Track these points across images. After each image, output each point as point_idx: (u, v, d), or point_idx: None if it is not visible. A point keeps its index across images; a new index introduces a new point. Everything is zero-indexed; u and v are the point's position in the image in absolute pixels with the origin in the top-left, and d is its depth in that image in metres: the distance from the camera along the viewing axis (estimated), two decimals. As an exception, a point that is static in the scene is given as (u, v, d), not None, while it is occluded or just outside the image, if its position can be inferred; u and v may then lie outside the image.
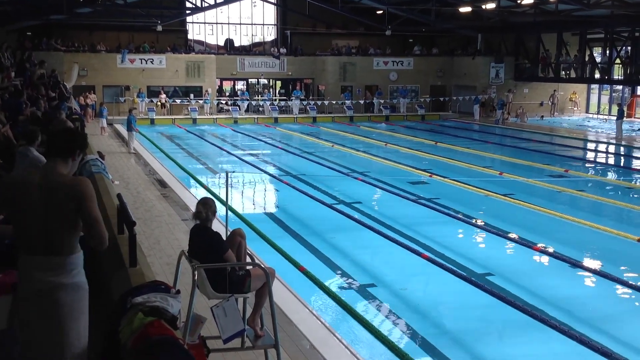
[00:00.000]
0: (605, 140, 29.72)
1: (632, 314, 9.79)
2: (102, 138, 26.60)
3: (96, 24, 37.71)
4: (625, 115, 32.27)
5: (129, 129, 23.24)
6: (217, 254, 5.41)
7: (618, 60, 34.62)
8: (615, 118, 31.47)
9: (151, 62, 37.31)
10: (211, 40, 42.98)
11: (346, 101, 38.45)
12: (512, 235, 13.24)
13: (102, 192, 7.91)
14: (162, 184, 17.00)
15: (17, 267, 3.68)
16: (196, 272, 5.26)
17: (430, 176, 19.43)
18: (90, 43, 37.94)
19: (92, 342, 3.79)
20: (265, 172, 20.58)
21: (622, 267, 11.36)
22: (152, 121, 34.41)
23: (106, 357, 3.73)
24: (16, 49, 31.06)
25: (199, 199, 5.91)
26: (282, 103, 38.95)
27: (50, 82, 22.11)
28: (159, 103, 36.37)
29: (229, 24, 42.89)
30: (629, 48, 33.95)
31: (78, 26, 37.69)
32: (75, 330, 3.60)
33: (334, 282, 10.41)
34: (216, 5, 39.15)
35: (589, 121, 38.63)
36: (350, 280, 10.69)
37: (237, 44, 43.22)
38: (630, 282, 10.27)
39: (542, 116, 39.09)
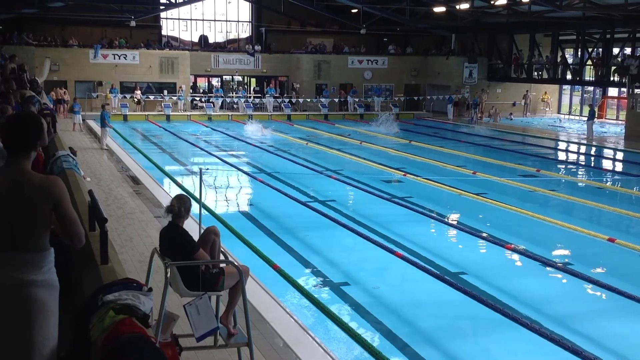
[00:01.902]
0: (576, 140, 30.08)
1: (601, 313, 9.91)
2: (74, 134, 26.30)
3: (68, 18, 37.28)
4: (596, 116, 32.70)
5: (103, 125, 23.00)
6: (187, 255, 5.36)
7: (589, 62, 35.07)
8: (586, 119, 31.87)
9: (124, 57, 36.99)
10: (185, 36, 42.72)
11: (321, 99, 38.54)
12: (485, 234, 13.34)
13: (74, 189, 7.81)
14: (135, 180, 16.85)
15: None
16: (169, 270, 5.21)
17: (404, 175, 19.50)
18: (62, 38, 37.49)
19: (62, 340, 3.73)
20: (239, 169, 20.49)
21: (592, 266, 11.50)
22: (125, 117, 34.10)
23: (76, 356, 3.67)
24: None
25: (172, 195, 5.86)
26: (257, 100, 38.87)
27: (23, 76, 21.80)
28: (135, 99, 36.06)
29: (203, 20, 42.66)
30: (600, 50, 34.44)
31: (50, 20, 37.27)
32: (45, 328, 3.53)
33: (307, 281, 10.40)
34: (190, 1, 38.92)
35: (561, 121, 39.08)
36: (323, 278, 10.68)
37: (211, 40, 43.01)
38: (600, 281, 10.40)
39: (511, 113, 39.43)
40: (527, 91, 40.58)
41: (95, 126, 27.27)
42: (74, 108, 28.44)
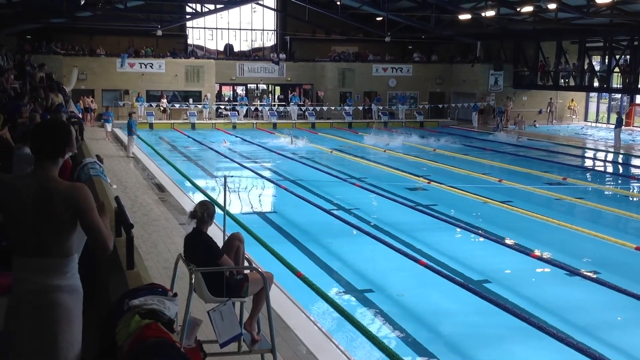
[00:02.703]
0: (603, 148, 29.76)
1: (630, 322, 9.77)
2: (101, 141, 26.53)
3: (96, 27, 37.79)
4: (623, 123, 32.32)
5: (130, 133, 23.24)
6: (211, 261, 5.39)
7: (617, 69, 34.70)
8: (613, 126, 31.52)
9: (150, 66, 37.37)
10: (211, 45, 43.04)
11: (345, 107, 38.59)
12: (510, 242, 13.24)
13: (101, 195, 7.89)
14: (160, 188, 16.99)
15: (12, 269, 3.64)
16: (193, 276, 5.24)
17: (428, 183, 19.43)
18: (89, 47, 37.99)
19: (87, 345, 3.77)
20: (264, 177, 20.57)
21: (620, 275, 11.34)
22: (151, 125, 34.42)
23: (102, 360, 3.71)
24: (15, 53, 31.09)
25: (196, 203, 5.91)
26: (281, 108, 39.02)
27: (52, 85, 22.08)
28: (161, 107, 36.37)
29: (228, 29, 42.96)
30: (628, 57, 34.04)
31: (78, 30, 37.77)
32: (69, 333, 3.54)
33: (331, 288, 10.39)
34: (216, 10, 39.17)
35: (583, 128, 38.71)
36: (347, 285, 10.67)
37: (236, 49, 43.28)
38: (628, 290, 10.26)
39: (535, 121, 39.14)
40: (551, 99, 40.22)
41: (122, 134, 27.52)
42: (104, 116, 28.56)
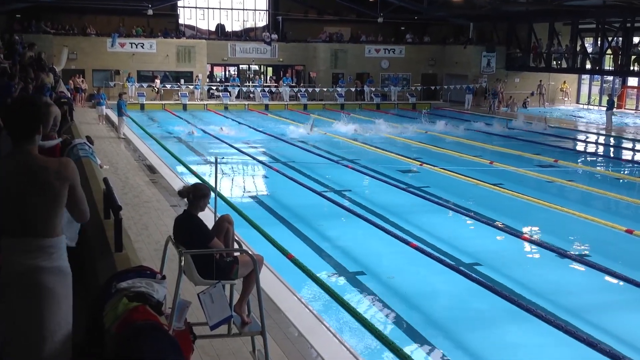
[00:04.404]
0: (595, 131, 29.81)
1: (618, 305, 9.83)
2: (92, 122, 26.31)
3: (86, 7, 37.39)
4: (615, 106, 32.34)
5: (120, 114, 23.08)
6: (202, 243, 5.35)
7: (609, 51, 34.68)
8: (605, 109, 31.55)
9: (141, 46, 37.11)
10: (202, 25, 42.72)
11: (338, 88, 38.47)
12: (501, 225, 13.27)
13: (89, 177, 7.84)
14: (152, 169, 16.91)
15: (1, 250, 3.61)
16: (183, 258, 5.21)
17: (420, 165, 19.42)
18: (80, 26, 37.64)
19: (76, 328, 3.75)
20: (255, 158, 20.50)
21: (610, 258, 11.39)
22: (142, 106, 34.18)
23: (90, 343, 3.69)
24: (5, 32, 30.79)
25: (188, 184, 5.86)
26: (273, 90, 38.83)
27: (42, 65, 21.89)
28: (155, 88, 36.11)
29: (220, 9, 42.61)
30: (620, 39, 34.01)
31: (68, 9, 37.39)
32: (56, 315, 3.51)
33: (322, 270, 10.39)
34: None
35: (575, 110, 38.74)
36: (338, 268, 10.68)
37: (228, 29, 42.97)
38: (617, 273, 10.31)
39: (525, 103, 39.07)
40: (540, 81, 40.16)
41: (113, 115, 27.33)
42: (96, 98, 28.08)
